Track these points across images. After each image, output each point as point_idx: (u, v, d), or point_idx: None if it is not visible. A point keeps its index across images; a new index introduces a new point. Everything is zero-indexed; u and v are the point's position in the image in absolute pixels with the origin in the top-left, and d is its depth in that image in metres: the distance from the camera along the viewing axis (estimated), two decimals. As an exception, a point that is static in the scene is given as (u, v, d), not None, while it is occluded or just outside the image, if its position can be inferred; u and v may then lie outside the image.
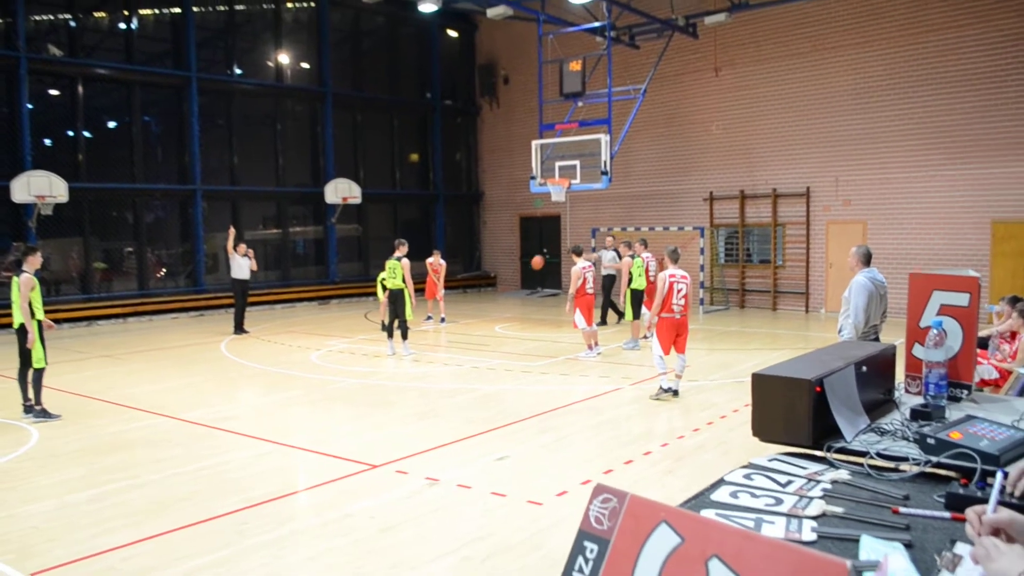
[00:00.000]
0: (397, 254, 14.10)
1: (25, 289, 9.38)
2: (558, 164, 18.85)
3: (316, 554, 5.46)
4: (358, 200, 24.05)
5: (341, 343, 15.79)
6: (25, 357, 9.54)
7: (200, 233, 21.86)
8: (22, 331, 9.45)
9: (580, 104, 19.81)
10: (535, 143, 19.48)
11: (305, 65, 24.83)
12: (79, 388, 11.50)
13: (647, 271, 14.41)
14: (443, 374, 12.34)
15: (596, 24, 20.11)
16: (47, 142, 20.07)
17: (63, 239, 20.12)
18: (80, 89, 20.16)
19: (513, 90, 26.77)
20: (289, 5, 24.22)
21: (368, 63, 26.65)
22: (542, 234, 26.45)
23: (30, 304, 9.42)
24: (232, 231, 17.77)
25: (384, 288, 14.61)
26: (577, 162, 18.62)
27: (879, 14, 18.69)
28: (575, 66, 19.41)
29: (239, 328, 17.27)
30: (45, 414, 9.61)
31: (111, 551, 5.53)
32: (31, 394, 9.66)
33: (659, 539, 1.28)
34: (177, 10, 21.71)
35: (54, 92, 20.48)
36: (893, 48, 18.49)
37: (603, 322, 17.28)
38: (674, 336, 10.08)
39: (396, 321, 14.03)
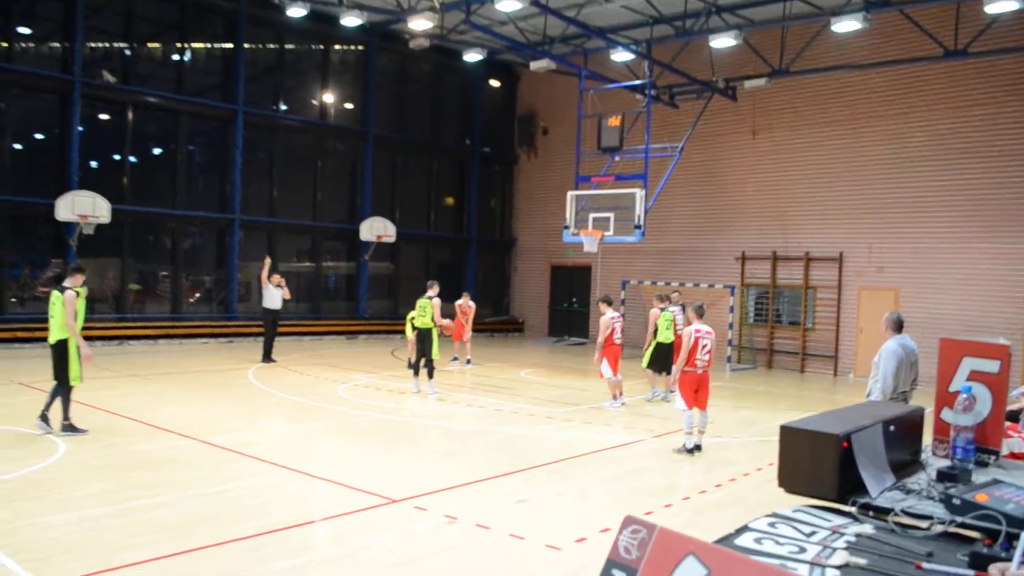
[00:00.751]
0: (429, 293, 14.24)
1: (71, 306, 9.45)
2: (592, 215, 18.99)
3: (331, 584, 5.47)
4: (392, 239, 24.32)
5: (367, 378, 15.87)
6: (62, 374, 9.57)
7: (235, 261, 22.18)
8: (59, 347, 9.54)
9: (617, 158, 20.00)
10: (571, 194, 19.66)
11: (349, 105, 25.33)
12: (108, 405, 11.64)
13: (675, 325, 14.30)
14: (466, 415, 12.36)
15: (637, 82, 20.39)
16: (94, 164, 20.58)
17: (101, 259, 20.53)
18: (130, 115, 20.72)
19: (551, 141, 27.07)
20: (337, 47, 24.77)
21: (411, 107, 27.12)
22: (572, 283, 26.53)
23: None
24: (268, 261, 18.00)
25: (413, 327, 14.70)
26: (611, 215, 18.74)
27: (917, 87, 18.80)
28: (614, 121, 19.63)
29: (267, 357, 17.42)
30: (73, 429, 9.66)
31: (129, 567, 5.57)
32: (63, 409, 9.68)
33: (686, 570, 1.31)
34: (229, 45, 22.32)
35: (104, 116, 21.06)
36: (930, 120, 18.56)
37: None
38: (695, 391, 10.01)
39: (423, 359, 14.10)
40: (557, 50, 21.28)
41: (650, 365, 14.20)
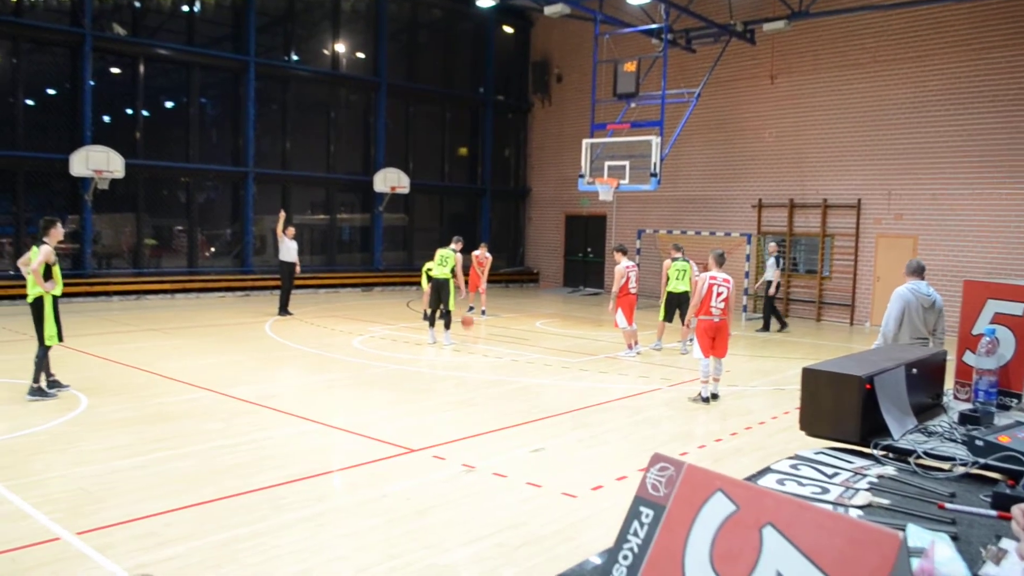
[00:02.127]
0: (454, 246, 14.26)
1: (43, 256, 9.08)
2: (607, 164, 18.81)
3: (351, 532, 5.54)
4: (406, 190, 24.24)
5: (383, 329, 15.94)
6: (39, 333, 9.23)
7: (250, 215, 22.21)
8: (35, 304, 9.22)
9: (633, 105, 19.74)
10: (586, 142, 19.46)
11: (361, 55, 25.08)
12: (127, 359, 11.76)
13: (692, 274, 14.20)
14: (482, 365, 12.41)
15: (653, 26, 20.06)
16: (106, 119, 20.53)
17: (117, 214, 20.63)
18: (141, 68, 20.60)
19: (566, 88, 26.77)
20: (348, -6, 24.48)
21: (423, 55, 26.85)
22: (587, 233, 26.43)
23: (50, 278, 9.20)
24: (283, 214, 18.00)
25: (429, 278, 14.67)
26: (627, 163, 18.57)
27: (940, 28, 18.38)
28: (630, 67, 19.33)
29: (284, 310, 17.51)
30: (41, 392, 9.26)
31: (153, 516, 5.66)
32: (34, 370, 9.30)
33: (714, 507, 1.30)
34: (238, -5, 22.06)
35: (116, 70, 20.95)
36: (952, 62, 18.18)
37: (766, 328, 17.76)
38: (711, 339, 9.96)
39: (439, 310, 14.12)
40: (571, -6, 20.93)
41: (664, 317, 14.25)
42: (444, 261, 14.11)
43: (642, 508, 1.39)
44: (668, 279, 14.18)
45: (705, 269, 10.46)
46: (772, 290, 17.59)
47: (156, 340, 14.01)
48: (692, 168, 22.86)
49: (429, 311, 14.56)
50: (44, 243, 9.26)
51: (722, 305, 9.92)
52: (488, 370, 11.99)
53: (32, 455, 7.07)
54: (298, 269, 17.73)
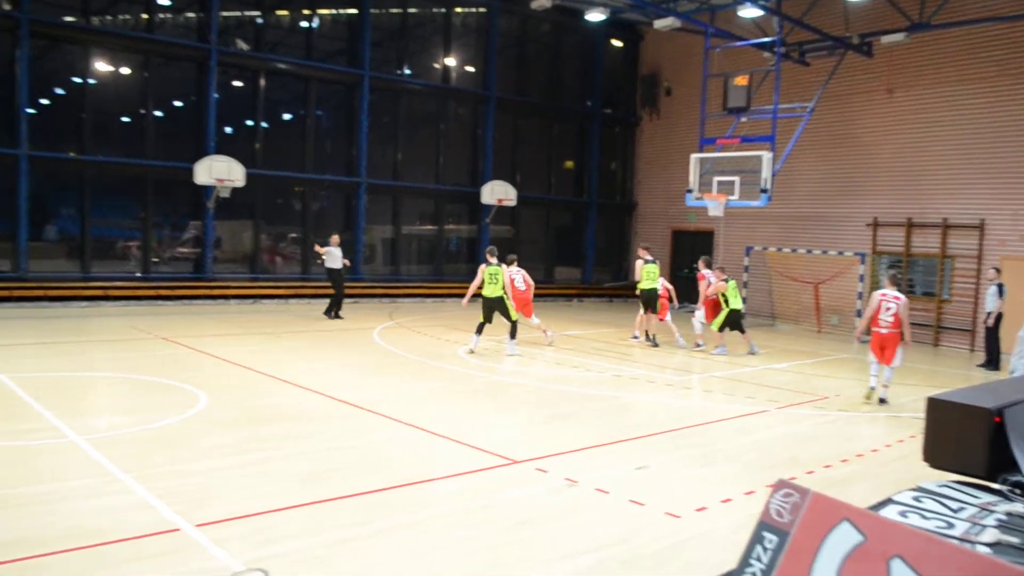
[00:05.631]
0: (493, 260, 14.29)
1: None
2: (716, 179, 18.58)
3: (454, 540, 5.61)
4: (513, 203, 24.46)
5: (487, 340, 16.07)
6: None
7: (362, 224, 22.82)
8: None
9: (743, 119, 19.44)
10: (694, 156, 19.26)
11: (470, 68, 25.48)
12: (242, 360, 12.23)
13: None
14: (585, 379, 12.38)
15: (765, 40, 19.70)
16: (228, 130, 21.45)
17: (236, 221, 21.53)
18: (262, 82, 21.49)
19: (675, 102, 26.54)
20: (459, 10, 24.90)
21: (531, 69, 27.10)
22: (694, 248, 26.06)
23: None
24: (317, 247, 18.55)
25: (480, 296, 14.34)
26: (736, 178, 18.30)
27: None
28: (741, 81, 19.06)
29: (335, 313, 18.07)
30: None
31: (265, 513, 5.86)
32: None
33: (840, 536, 1.29)
34: (354, 11, 22.74)
35: (238, 83, 21.88)
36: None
37: (990, 364, 15.94)
38: (880, 348, 11.19)
39: (486, 323, 14.17)
40: (683, 7, 20.71)
41: (722, 327, 15.34)
42: (494, 279, 14.09)
43: (765, 533, 1.38)
44: (727, 298, 15.19)
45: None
46: (991, 321, 15.76)
47: (269, 343, 14.53)
48: (804, 184, 22.29)
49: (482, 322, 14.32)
50: None
51: (891, 319, 11.09)
52: (591, 384, 11.95)
53: (155, 448, 7.43)
54: (347, 263, 18.27)
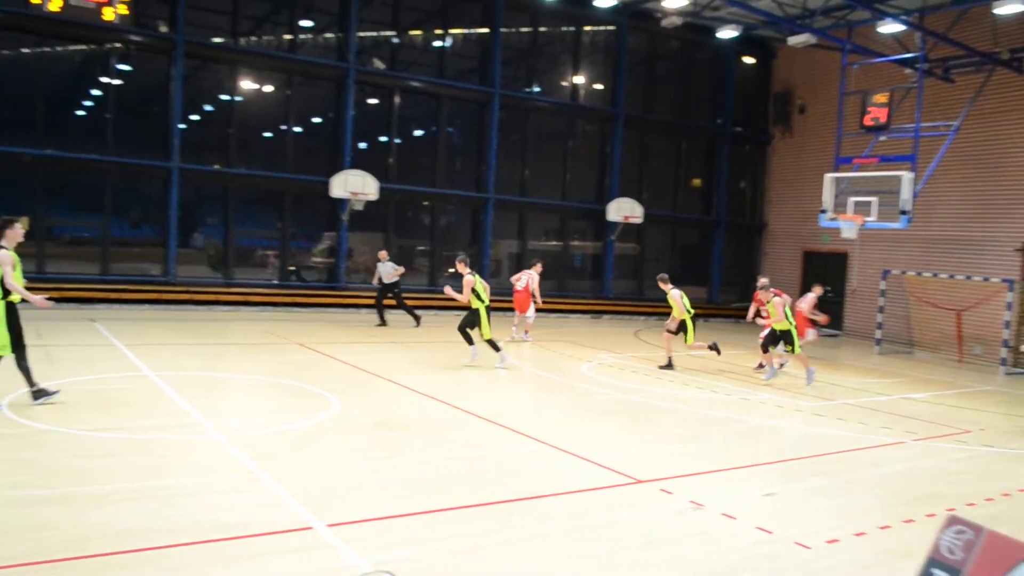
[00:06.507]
0: (468, 271, 13.58)
1: (7, 266, 8.23)
2: (852, 199, 17.92)
3: (576, 556, 5.57)
4: (639, 220, 24.30)
5: (611, 357, 16.00)
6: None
7: (488, 239, 23.13)
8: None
9: (882, 138, 18.70)
10: (829, 176, 18.65)
11: (599, 86, 25.52)
12: (371, 367, 12.58)
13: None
14: (712, 401, 12.13)
15: (907, 56, 18.90)
16: (362, 145, 22.18)
17: (368, 233, 22.25)
18: (396, 99, 22.17)
19: (808, 120, 25.80)
20: (588, 28, 24.97)
21: (660, 87, 26.91)
22: (826, 270, 25.20)
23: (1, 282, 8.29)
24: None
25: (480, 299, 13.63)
26: (874, 199, 17.60)
27: None
28: (881, 98, 18.37)
29: (412, 315, 18.65)
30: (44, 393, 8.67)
31: (393, 517, 6.00)
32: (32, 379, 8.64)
33: (1021, 577, 1.22)
34: (486, 30, 23.15)
35: (373, 101, 22.61)
36: None
37: None
38: None
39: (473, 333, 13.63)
40: (818, 23, 20.13)
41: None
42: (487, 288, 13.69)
43: (936, 571, 1.33)
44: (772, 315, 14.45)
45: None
46: None
47: (397, 352, 14.91)
48: (946, 206, 21.21)
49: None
50: (2, 248, 8.34)
51: None
52: (718, 406, 11.70)
53: (291, 449, 7.74)
54: (399, 274, 18.56)
